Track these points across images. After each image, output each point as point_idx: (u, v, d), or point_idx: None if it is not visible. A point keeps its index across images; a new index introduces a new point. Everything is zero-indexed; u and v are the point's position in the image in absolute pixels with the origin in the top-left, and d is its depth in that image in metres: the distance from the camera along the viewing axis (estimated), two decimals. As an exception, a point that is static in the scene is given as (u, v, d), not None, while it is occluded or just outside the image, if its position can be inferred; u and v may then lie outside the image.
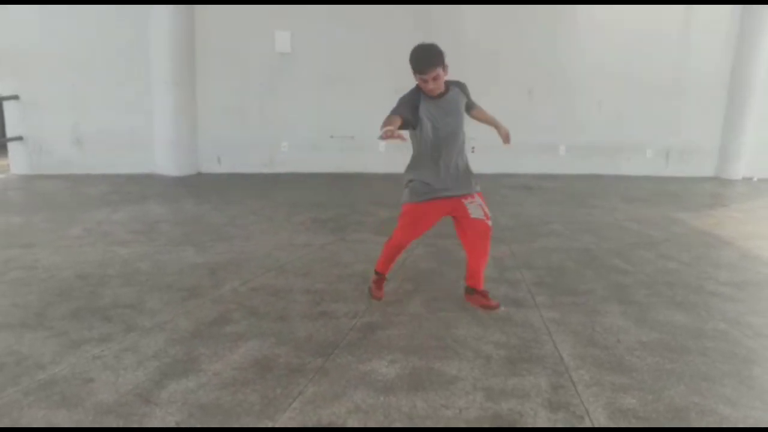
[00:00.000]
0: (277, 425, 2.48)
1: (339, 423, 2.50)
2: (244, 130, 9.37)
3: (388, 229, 5.88)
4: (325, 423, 2.50)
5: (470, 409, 2.62)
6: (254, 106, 9.37)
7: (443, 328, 3.49)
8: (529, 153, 9.72)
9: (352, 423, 2.50)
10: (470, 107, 3.77)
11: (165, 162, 8.94)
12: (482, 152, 9.68)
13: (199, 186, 8.27)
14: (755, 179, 10.07)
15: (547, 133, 9.89)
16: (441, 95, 3.51)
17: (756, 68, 9.77)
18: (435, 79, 3.36)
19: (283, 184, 8.51)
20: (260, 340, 3.33)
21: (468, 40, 9.22)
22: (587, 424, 2.51)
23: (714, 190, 8.98)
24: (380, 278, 3.99)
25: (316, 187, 8.30)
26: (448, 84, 3.55)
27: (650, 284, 4.45)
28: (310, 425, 2.48)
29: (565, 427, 2.50)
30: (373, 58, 9.23)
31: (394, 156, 9.74)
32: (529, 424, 2.50)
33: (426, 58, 3.33)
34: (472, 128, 10.31)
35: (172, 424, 2.47)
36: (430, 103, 3.48)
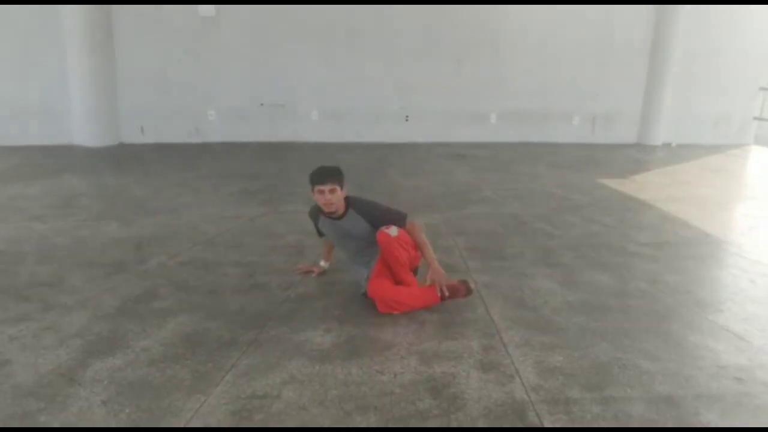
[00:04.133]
0: (209, 399, 2.42)
1: (274, 394, 2.47)
2: (168, 99, 8.99)
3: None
4: (260, 394, 2.46)
5: (405, 374, 2.65)
6: (178, 72, 8.99)
7: (378, 295, 3.49)
8: (461, 122, 9.84)
9: (287, 393, 2.48)
10: (396, 224, 3.31)
11: (83, 132, 8.48)
12: (416, 121, 9.74)
13: (121, 157, 7.91)
14: (674, 145, 10.59)
15: (478, 103, 10.01)
16: (340, 216, 3.43)
17: (675, 36, 10.20)
18: (332, 192, 3.28)
19: (210, 154, 8.26)
20: (190, 314, 3.23)
21: (396, 10, 9.08)
22: (517, 383, 2.59)
23: (636, 156, 9.38)
24: None
25: (246, 157, 8.10)
26: (348, 205, 3.43)
27: (575, 247, 4.61)
28: (243, 397, 2.44)
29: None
30: (302, 23, 8.97)
31: (326, 124, 9.70)
32: (462, 386, 2.56)
33: (326, 171, 3.32)
34: (404, 97, 10.19)
35: (98, 403, 2.37)
36: (327, 223, 3.52)
